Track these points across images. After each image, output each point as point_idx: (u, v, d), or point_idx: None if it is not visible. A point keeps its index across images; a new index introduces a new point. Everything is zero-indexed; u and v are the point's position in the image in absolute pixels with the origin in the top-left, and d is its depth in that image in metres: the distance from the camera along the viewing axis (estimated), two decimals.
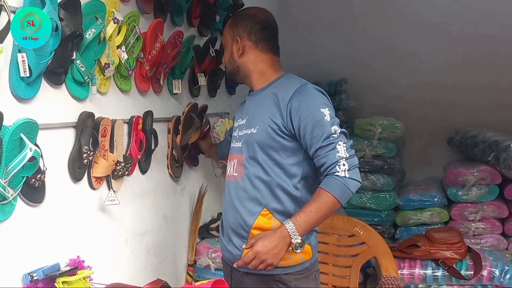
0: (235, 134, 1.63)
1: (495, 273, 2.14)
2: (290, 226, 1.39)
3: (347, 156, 1.37)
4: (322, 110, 1.42)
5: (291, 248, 1.40)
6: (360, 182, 1.39)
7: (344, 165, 1.36)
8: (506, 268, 2.15)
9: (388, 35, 3.42)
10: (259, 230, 1.49)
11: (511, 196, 2.76)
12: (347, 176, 1.36)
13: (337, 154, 1.37)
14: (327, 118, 1.41)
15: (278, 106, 1.46)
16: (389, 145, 2.96)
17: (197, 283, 1.34)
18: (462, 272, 2.18)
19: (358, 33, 3.49)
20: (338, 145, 1.37)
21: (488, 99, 3.24)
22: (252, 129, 1.51)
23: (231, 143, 1.64)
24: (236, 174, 1.55)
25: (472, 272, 2.16)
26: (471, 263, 2.20)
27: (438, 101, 3.35)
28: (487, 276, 2.15)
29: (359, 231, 2.13)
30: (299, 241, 1.38)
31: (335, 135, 1.39)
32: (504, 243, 2.76)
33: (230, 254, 1.59)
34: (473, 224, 2.78)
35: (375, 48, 3.45)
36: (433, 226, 2.80)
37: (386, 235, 2.92)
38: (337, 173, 1.36)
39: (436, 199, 2.87)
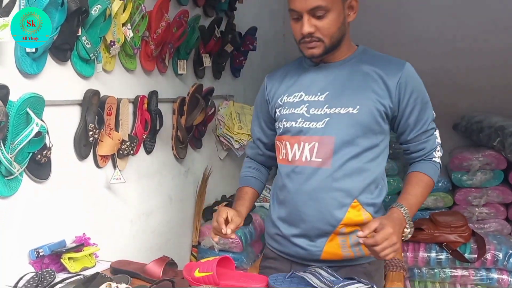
0: (299, 111, 1.33)
1: (499, 257, 2.14)
2: (404, 210, 1.24)
3: (440, 142, 1.37)
4: (426, 93, 1.34)
5: (402, 237, 1.21)
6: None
7: (439, 151, 1.35)
8: (510, 251, 2.15)
9: (395, 17, 3.38)
10: (348, 226, 1.31)
11: None
12: (439, 162, 1.35)
13: (436, 140, 1.35)
14: (429, 101, 1.35)
15: (385, 86, 1.29)
16: None
17: (203, 260, 1.34)
18: (466, 256, 2.18)
19: (364, 16, 3.44)
20: (436, 130, 1.36)
21: (494, 83, 3.21)
22: (350, 108, 1.29)
23: (289, 122, 1.35)
24: (319, 160, 1.30)
25: (476, 256, 2.17)
26: (475, 246, 2.20)
27: (444, 86, 3.32)
28: (490, 260, 2.15)
29: None
30: (410, 230, 1.23)
31: (433, 120, 1.36)
32: (507, 228, 2.75)
33: (304, 251, 1.35)
34: (477, 209, 2.77)
35: (381, 32, 3.41)
36: (437, 211, 2.80)
37: None
38: (434, 159, 1.34)
39: (440, 184, 2.85)
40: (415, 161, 1.36)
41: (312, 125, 1.31)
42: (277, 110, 1.39)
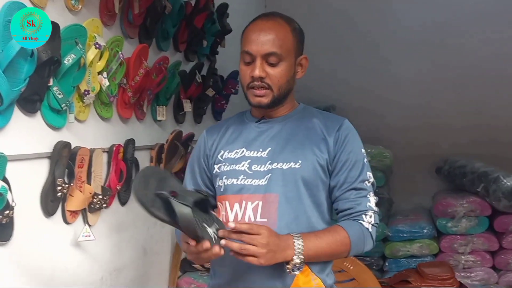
0: (241, 168, 1.28)
1: None
2: (299, 242, 1.15)
3: (375, 210, 1.25)
4: (363, 151, 1.29)
5: (287, 268, 1.15)
6: (374, 244, 1.26)
7: (371, 217, 1.24)
8: None
9: (376, 61, 3.41)
10: None
11: (501, 229, 2.72)
12: (369, 230, 1.23)
13: (368, 204, 1.24)
14: (366, 161, 1.29)
15: (325, 141, 1.27)
16: (378, 174, 2.91)
17: None
18: None
19: (346, 59, 3.47)
20: (370, 195, 1.26)
21: (476, 125, 3.23)
22: (292, 163, 1.24)
23: (230, 180, 1.28)
24: (264, 220, 1.21)
25: None
26: None
27: (426, 129, 3.33)
28: None
29: (349, 266, 2.04)
30: (299, 261, 1.14)
31: (368, 183, 1.27)
32: (494, 276, 2.69)
33: None
34: (463, 257, 2.72)
35: (363, 74, 3.43)
36: (422, 259, 2.73)
37: (374, 267, 2.84)
38: (361, 221, 1.23)
39: (425, 231, 2.81)
40: (342, 218, 1.26)
41: (255, 182, 1.26)
42: (215, 167, 1.33)
